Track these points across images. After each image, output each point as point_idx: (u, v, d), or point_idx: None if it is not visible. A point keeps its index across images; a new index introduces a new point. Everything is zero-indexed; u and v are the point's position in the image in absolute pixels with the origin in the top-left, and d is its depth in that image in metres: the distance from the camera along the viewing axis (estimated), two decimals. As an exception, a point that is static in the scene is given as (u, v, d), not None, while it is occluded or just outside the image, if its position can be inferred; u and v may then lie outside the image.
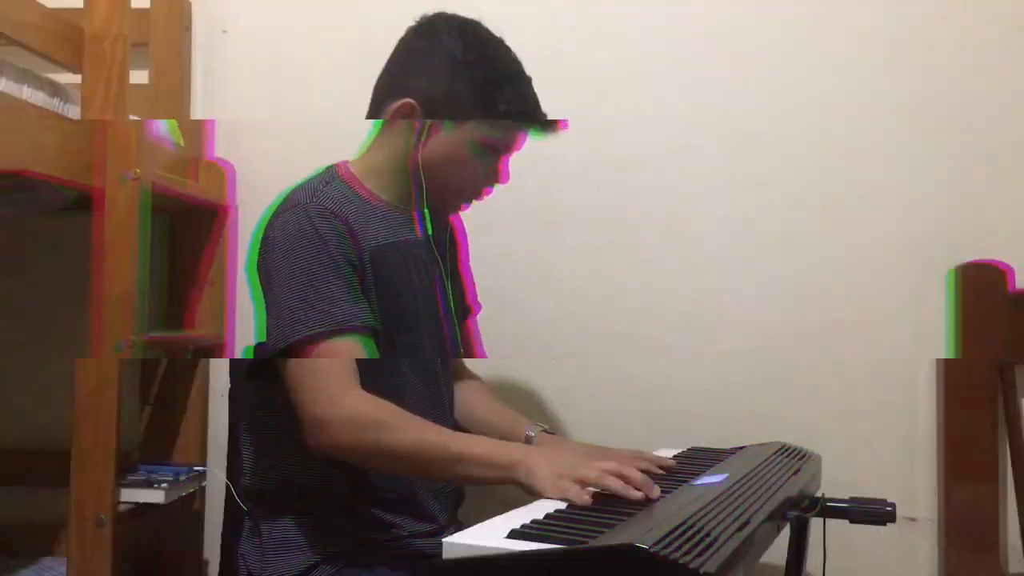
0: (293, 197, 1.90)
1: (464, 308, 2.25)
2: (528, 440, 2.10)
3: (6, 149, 1.85)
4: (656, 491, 1.62)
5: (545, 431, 2.15)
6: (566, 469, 1.66)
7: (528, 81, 1.99)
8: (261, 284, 1.89)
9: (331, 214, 1.85)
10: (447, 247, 2.18)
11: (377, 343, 1.86)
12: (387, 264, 1.93)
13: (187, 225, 2.68)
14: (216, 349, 2.66)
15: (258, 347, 1.99)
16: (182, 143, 2.59)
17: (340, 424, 1.75)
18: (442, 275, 2.10)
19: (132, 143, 2.13)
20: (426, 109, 1.94)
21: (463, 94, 1.93)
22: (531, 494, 1.65)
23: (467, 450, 1.75)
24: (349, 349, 1.80)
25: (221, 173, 2.68)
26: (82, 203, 2.15)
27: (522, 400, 2.51)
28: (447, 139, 1.95)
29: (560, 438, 2.25)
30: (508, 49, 1.99)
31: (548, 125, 2.01)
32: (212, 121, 2.73)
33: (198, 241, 2.67)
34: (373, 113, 2.02)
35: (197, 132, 2.69)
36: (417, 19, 2.01)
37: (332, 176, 1.98)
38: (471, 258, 2.30)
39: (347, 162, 2.04)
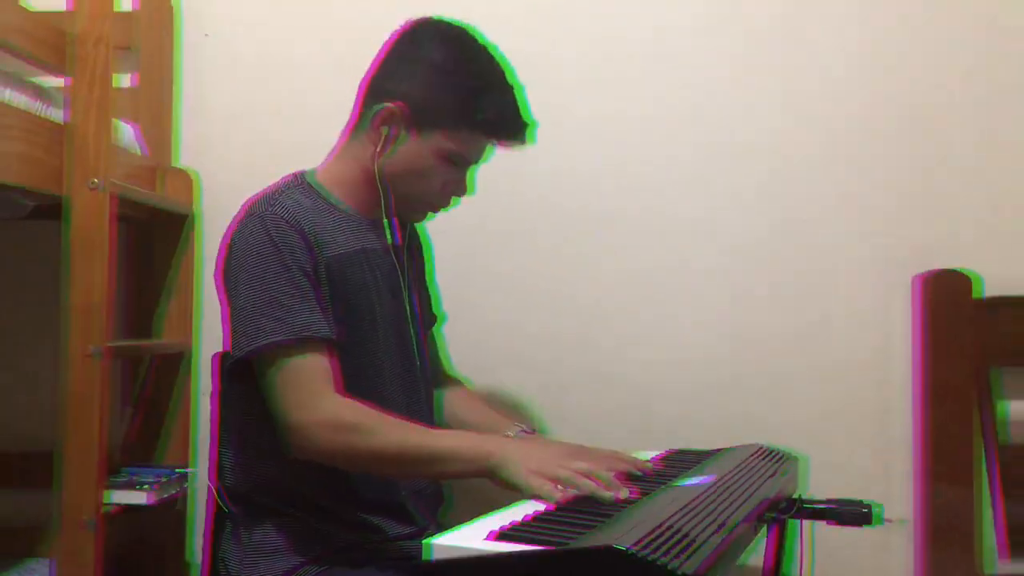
0: (252, 206, 1.91)
1: (429, 317, 2.26)
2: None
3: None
4: (624, 492, 1.63)
5: (525, 430, 2.15)
6: (540, 465, 1.68)
7: (510, 90, 1.99)
8: (223, 291, 1.91)
9: (286, 223, 1.86)
10: (412, 256, 2.19)
11: (335, 352, 1.86)
12: (347, 273, 1.93)
13: (153, 233, 2.68)
14: (182, 357, 2.66)
15: (224, 354, 2.01)
16: (145, 151, 2.59)
17: (319, 428, 1.77)
18: (406, 283, 2.09)
19: (96, 150, 2.13)
20: (408, 114, 1.94)
21: (444, 101, 1.94)
22: (506, 487, 1.68)
23: (443, 446, 1.78)
24: (309, 358, 1.81)
25: (187, 180, 2.68)
26: (50, 210, 2.15)
27: (502, 405, 2.52)
28: (412, 148, 1.96)
29: (539, 437, 2.26)
30: (493, 57, 1.99)
31: (514, 139, 2.00)
32: (178, 128, 2.73)
33: (164, 249, 2.67)
34: (358, 117, 2.03)
35: (162, 139, 2.69)
36: (405, 24, 2.02)
37: (293, 184, 1.99)
38: (443, 265, 2.32)
39: (313, 169, 2.05)
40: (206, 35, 2.74)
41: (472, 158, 2.01)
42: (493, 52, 2.00)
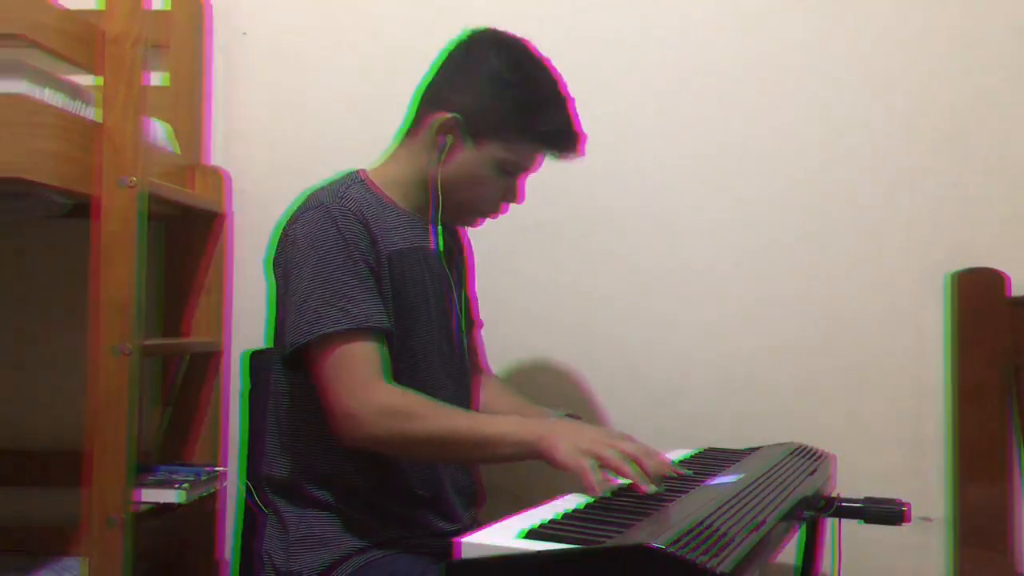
0: (316, 197, 1.93)
1: (470, 321, 2.28)
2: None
3: (3, 154, 1.86)
4: (662, 487, 1.64)
5: (569, 415, 2.17)
6: (587, 444, 1.69)
7: (566, 102, 2.00)
8: (278, 280, 1.93)
9: (352, 215, 1.88)
10: (457, 261, 2.21)
11: (391, 344, 1.88)
12: (404, 268, 1.96)
13: (184, 232, 2.68)
14: (213, 356, 2.67)
15: (261, 351, 2.01)
16: (179, 150, 2.60)
17: (371, 415, 1.78)
18: (451, 286, 2.12)
19: (129, 149, 2.13)
20: (468, 124, 1.96)
21: (502, 112, 1.96)
22: (554, 466, 1.68)
23: (494, 430, 1.78)
24: (365, 348, 1.82)
25: (218, 179, 2.69)
26: (81, 208, 2.15)
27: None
28: (469, 157, 1.98)
29: (583, 423, 2.26)
30: (549, 70, 2.01)
31: (570, 151, 2.03)
32: (209, 127, 2.74)
33: (195, 248, 2.68)
34: (413, 122, 2.05)
35: (194, 138, 2.70)
36: (464, 34, 2.04)
37: (354, 180, 2.00)
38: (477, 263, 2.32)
39: (367, 170, 2.06)
40: (244, 34, 2.74)
41: (528, 168, 2.04)
42: (549, 65, 2.02)
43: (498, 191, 2.03)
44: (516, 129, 1.96)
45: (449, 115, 1.96)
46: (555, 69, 2.02)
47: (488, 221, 2.12)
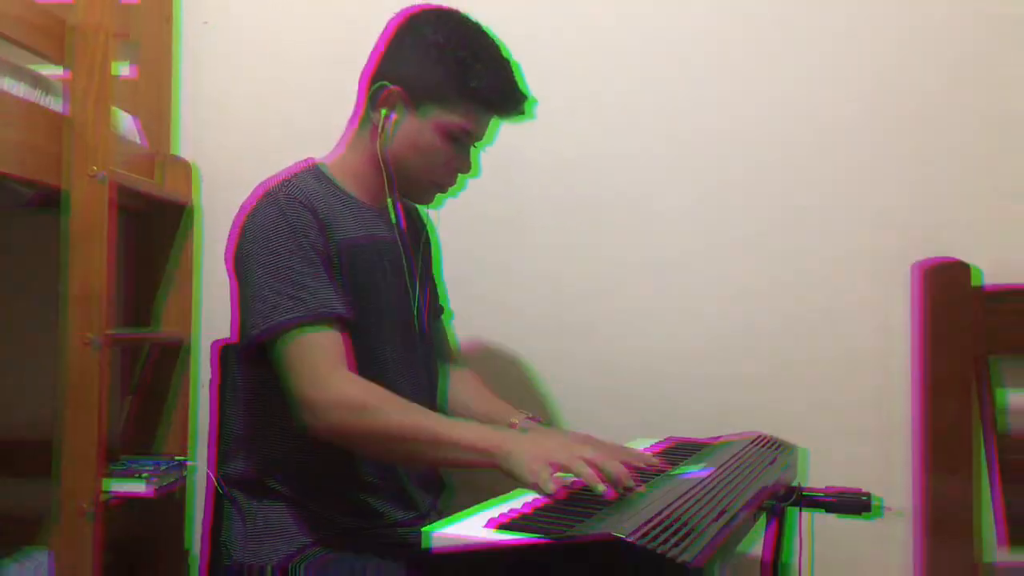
0: (265, 188, 1.93)
1: (436, 308, 2.28)
2: (513, 428, 2.12)
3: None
4: (630, 483, 1.62)
5: (533, 419, 2.18)
6: (543, 453, 1.68)
7: (504, 62, 2.01)
8: (235, 273, 1.92)
9: (300, 204, 1.88)
10: (421, 248, 2.21)
11: (347, 330, 1.87)
12: (358, 259, 1.95)
13: (151, 223, 2.68)
14: (180, 347, 2.67)
15: (226, 341, 2.01)
16: (146, 141, 2.59)
17: (330, 406, 1.78)
18: (413, 273, 2.11)
19: (96, 141, 2.13)
20: (404, 93, 1.97)
21: (437, 73, 1.96)
22: (510, 477, 1.67)
23: (452, 433, 1.77)
24: (323, 335, 1.82)
25: (185, 171, 2.69)
26: (49, 200, 2.14)
27: (503, 394, 2.51)
28: (413, 126, 1.99)
29: (547, 427, 2.26)
30: (485, 33, 2.02)
31: (511, 109, 2.03)
32: (177, 118, 2.73)
33: (162, 239, 2.68)
34: (358, 107, 2.05)
35: (162, 129, 2.69)
36: (399, 14, 2.04)
37: (307, 171, 2.00)
38: (445, 254, 2.32)
39: (319, 159, 2.06)
40: (205, 23, 2.73)
41: (473, 132, 2.03)
42: (486, 29, 2.03)
43: (446, 159, 2.02)
44: (453, 89, 1.96)
45: (384, 85, 1.97)
46: (492, 34, 2.03)
47: (453, 213, 2.12)
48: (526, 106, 2.04)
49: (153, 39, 2.67)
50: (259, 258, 1.84)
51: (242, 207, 1.93)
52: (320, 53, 2.70)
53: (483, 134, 2.06)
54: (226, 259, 1.95)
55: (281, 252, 1.84)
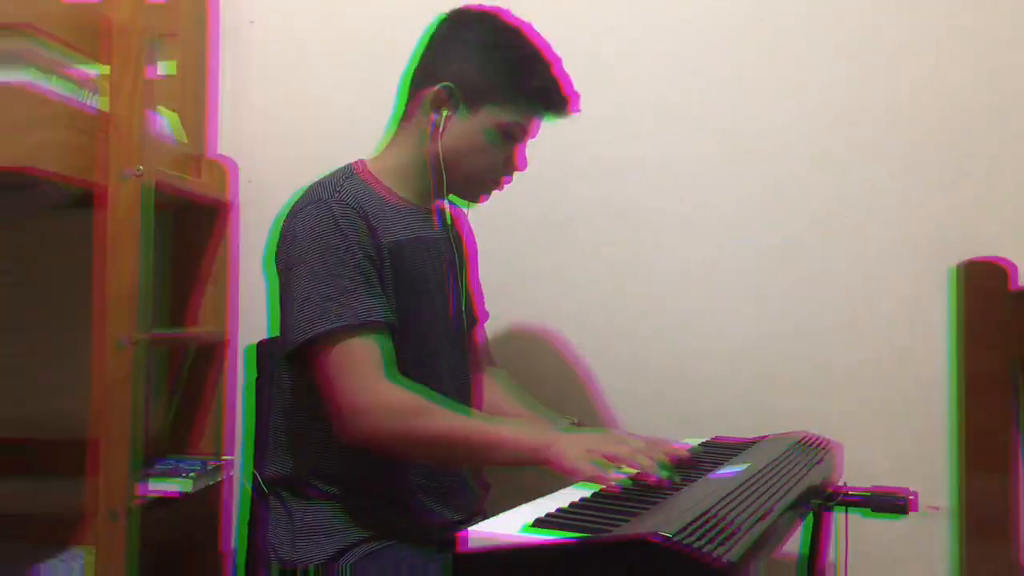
0: (314, 192, 1.93)
1: (472, 315, 2.28)
2: None
3: (7, 145, 1.86)
4: (676, 476, 1.64)
5: (575, 423, 2.19)
6: (596, 445, 1.69)
7: (552, 63, 2.02)
8: (280, 277, 1.93)
9: (351, 209, 1.88)
10: (459, 251, 2.21)
11: (394, 338, 1.88)
12: (405, 259, 1.96)
13: (189, 222, 2.70)
14: (218, 347, 2.68)
15: (269, 341, 2.02)
16: (185, 139, 2.60)
17: (376, 412, 1.79)
18: (458, 271, 2.13)
19: (134, 139, 2.14)
20: (461, 92, 1.98)
21: (493, 75, 1.98)
22: (563, 474, 1.68)
23: (500, 434, 1.78)
24: (368, 343, 1.82)
25: (223, 170, 2.70)
26: (86, 199, 2.15)
27: (542, 395, 2.51)
28: (466, 126, 2.00)
29: (588, 429, 2.26)
30: (532, 32, 2.03)
31: (563, 107, 2.04)
32: (215, 117, 2.74)
33: (200, 238, 2.70)
34: (405, 107, 2.06)
35: (199, 128, 2.70)
36: (441, 15, 2.06)
37: (351, 173, 2.00)
38: (486, 257, 2.32)
39: (364, 160, 2.06)
40: (252, 22, 2.75)
41: (526, 130, 2.05)
42: (530, 29, 2.04)
43: (499, 159, 2.04)
44: (509, 89, 1.98)
45: (441, 87, 1.98)
46: (536, 33, 2.04)
47: (497, 216, 2.12)
48: (577, 105, 2.05)
49: (193, 37, 2.68)
50: (308, 263, 1.84)
51: (292, 210, 1.93)
52: (360, 53, 2.71)
53: (533, 132, 2.08)
54: (276, 261, 1.95)
55: (330, 258, 1.83)
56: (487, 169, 2.05)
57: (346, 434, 1.81)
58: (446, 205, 2.15)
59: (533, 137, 2.09)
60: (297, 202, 1.94)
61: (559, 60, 2.04)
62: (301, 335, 1.82)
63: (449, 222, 2.19)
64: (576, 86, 2.07)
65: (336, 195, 1.89)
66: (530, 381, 2.41)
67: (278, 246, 1.95)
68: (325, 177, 1.98)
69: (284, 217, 1.95)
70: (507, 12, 2.05)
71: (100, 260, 2.10)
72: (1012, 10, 2.54)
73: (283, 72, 2.74)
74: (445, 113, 1.99)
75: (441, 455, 1.89)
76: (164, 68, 2.63)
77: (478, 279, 2.32)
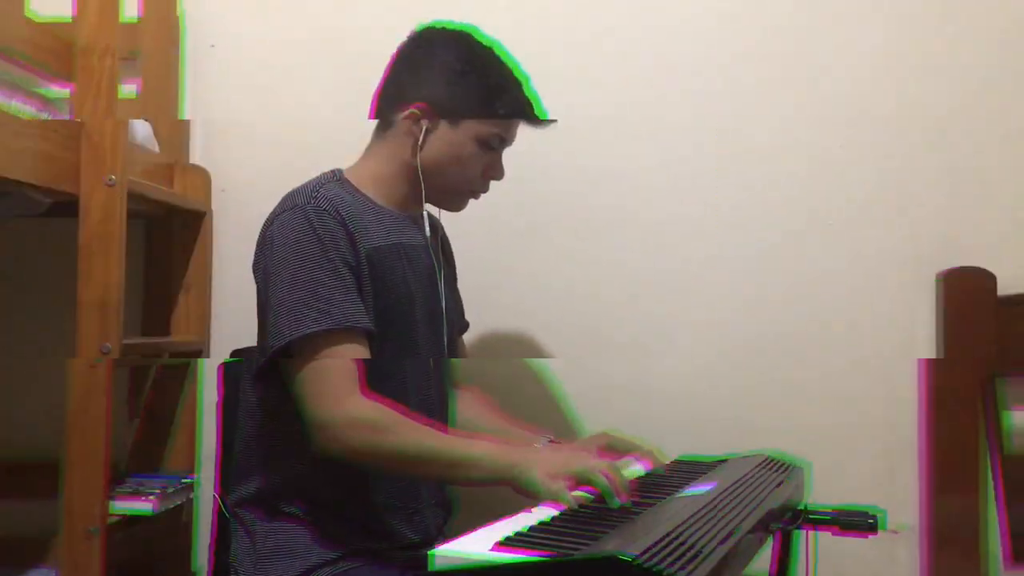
0: (291, 198, 1.93)
1: (462, 324, 2.30)
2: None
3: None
4: (617, 503, 1.64)
5: (552, 440, 2.20)
6: (557, 468, 1.69)
7: (522, 84, 2.04)
8: (258, 285, 1.93)
9: (328, 214, 1.88)
10: (446, 259, 2.22)
11: (372, 343, 1.88)
12: (384, 265, 1.95)
13: (166, 230, 2.69)
14: (196, 355, 2.67)
15: (245, 350, 2.01)
16: (159, 148, 2.59)
17: (343, 426, 1.78)
18: (440, 279, 2.12)
19: (110, 148, 2.13)
20: (440, 110, 1.99)
21: (464, 99, 1.99)
22: (527, 496, 1.68)
23: (467, 453, 1.78)
24: (346, 349, 1.82)
25: (200, 178, 2.69)
26: (64, 208, 2.15)
27: (506, 404, 2.52)
28: (449, 137, 2.01)
29: (564, 444, 2.25)
30: (500, 55, 2.04)
31: (538, 123, 2.06)
32: (189, 125, 2.74)
33: (177, 246, 2.68)
34: (381, 120, 2.07)
35: (175, 137, 2.69)
36: (412, 32, 2.07)
37: (330, 179, 2.01)
38: (460, 265, 2.32)
39: (343, 169, 2.07)
40: (212, 46, 2.74)
41: (507, 138, 2.06)
42: (497, 48, 2.05)
43: (478, 169, 2.05)
44: (483, 109, 2.00)
45: (419, 106, 1.99)
46: (506, 52, 2.05)
47: (471, 221, 2.14)
48: (547, 119, 2.07)
49: (158, 59, 2.66)
50: (285, 269, 1.84)
51: (269, 217, 1.94)
52: (323, 72, 2.72)
53: (512, 140, 2.09)
54: (255, 268, 1.95)
55: (308, 263, 1.84)
56: (469, 178, 2.05)
57: (316, 446, 1.81)
58: (427, 213, 2.14)
59: (509, 145, 2.10)
60: (276, 209, 1.94)
61: (528, 79, 2.05)
62: (279, 340, 1.82)
63: (438, 231, 2.20)
64: (558, 90, 2.09)
65: (313, 200, 1.89)
66: (502, 388, 2.41)
67: (257, 254, 1.95)
68: (305, 184, 1.98)
69: (264, 225, 1.95)
70: (471, 34, 2.05)
71: (79, 268, 2.10)
72: (1002, 22, 2.57)
73: (251, 87, 2.74)
74: (425, 127, 2.00)
75: (407, 471, 1.89)
76: (130, 87, 2.62)
77: (456, 285, 2.33)
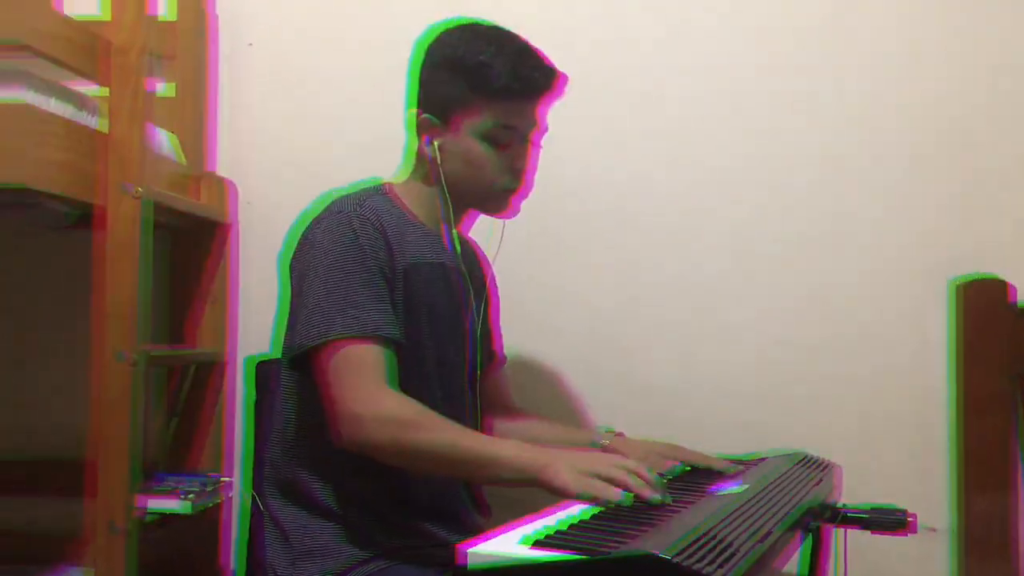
0: (338, 203, 1.94)
1: (489, 352, 2.27)
2: (600, 448, 2.16)
3: (7, 164, 1.86)
4: (668, 498, 1.64)
5: (619, 435, 2.23)
6: (587, 466, 1.69)
7: (521, 47, 2.01)
8: (293, 282, 1.94)
9: (371, 224, 1.90)
10: (482, 287, 2.22)
11: (399, 356, 1.88)
12: (419, 283, 1.96)
13: (189, 241, 2.69)
14: (218, 365, 2.68)
15: (269, 360, 2.02)
16: (184, 159, 2.60)
17: (374, 421, 1.78)
18: (468, 301, 2.12)
19: (134, 158, 2.14)
20: (436, 115, 2.00)
21: (456, 86, 1.98)
22: (557, 495, 1.67)
23: (496, 452, 1.78)
24: (373, 354, 1.82)
25: (223, 189, 2.70)
26: (86, 219, 2.15)
27: (539, 408, 2.52)
28: (455, 145, 2.01)
29: (637, 441, 2.25)
30: (496, 28, 2.03)
31: (542, 89, 2.02)
32: (214, 137, 2.75)
33: (199, 257, 2.69)
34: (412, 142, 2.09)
35: (200, 147, 2.70)
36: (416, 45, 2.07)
37: (376, 191, 2.02)
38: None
39: (389, 182, 2.08)
40: (250, 44, 2.75)
41: (515, 124, 2.02)
42: (491, 24, 2.04)
43: (500, 162, 2.02)
44: (471, 94, 1.98)
45: (418, 116, 2.01)
46: (501, 28, 2.03)
47: (484, 228, 2.14)
48: (552, 82, 2.03)
49: (193, 59, 2.68)
50: (323, 272, 1.85)
51: (313, 219, 1.95)
52: (358, 74, 2.72)
53: (528, 123, 2.05)
54: (291, 267, 1.96)
55: (346, 270, 1.85)
56: (491, 177, 2.02)
57: (344, 441, 1.81)
58: (457, 234, 2.14)
59: (542, 132, 2.08)
60: (321, 211, 1.95)
61: (527, 46, 2.01)
62: (308, 340, 1.83)
63: (467, 252, 2.20)
64: (570, 100, 2.08)
65: (358, 209, 1.91)
66: (517, 397, 2.41)
67: (294, 252, 1.96)
68: (351, 190, 2.00)
69: (303, 224, 1.96)
70: (460, 21, 2.05)
71: (99, 278, 2.10)
72: (1017, 24, 2.55)
73: (282, 93, 2.75)
74: (437, 143, 2.00)
75: (435, 469, 1.88)
76: (164, 89, 2.63)
77: (498, 319, 2.32)
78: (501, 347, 2.33)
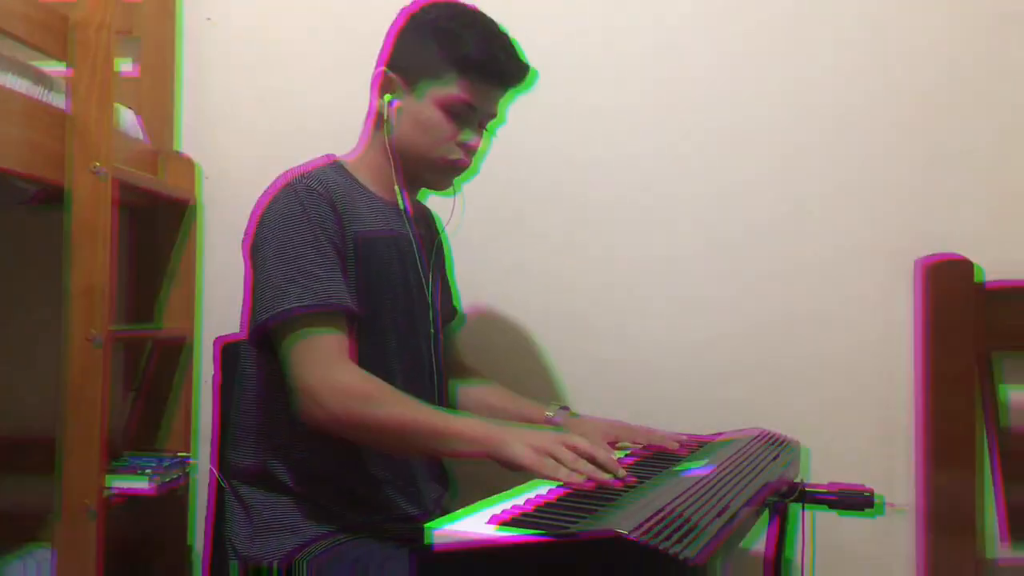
0: (285, 178, 1.94)
1: (449, 311, 2.29)
2: (548, 422, 2.18)
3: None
4: (622, 473, 1.66)
5: (564, 408, 2.24)
6: (541, 443, 1.70)
7: (497, 34, 2.03)
8: (249, 261, 1.93)
9: (319, 195, 1.89)
10: (435, 250, 2.21)
11: (355, 325, 1.88)
12: (372, 253, 1.96)
13: (153, 219, 2.68)
14: (183, 344, 2.67)
15: (230, 340, 2.02)
16: (147, 138, 2.59)
17: (330, 394, 1.79)
18: (425, 267, 2.12)
19: (98, 136, 2.13)
20: (400, 73, 2.01)
21: (431, 50, 1.99)
22: (511, 468, 1.69)
23: (450, 426, 1.79)
24: (328, 327, 1.83)
25: (188, 167, 2.69)
26: (50, 196, 2.14)
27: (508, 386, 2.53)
28: (411, 107, 2.01)
29: (585, 418, 2.26)
30: (480, 12, 2.04)
31: (505, 78, 2.04)
32: (179, 115, 2.73)
33: (165, 236, 2.68)
34: (369, 106, 2.08)
35: (164, 126, 2.69)
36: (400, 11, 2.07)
37: (329, 165, 2.01)
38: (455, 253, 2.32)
39: (340, 156, 2.07)
40: (208, 19, 2.73)
41: (474, 104, 2.02)
42: (471, 6, 2.05)
43: (450, 133, 2.02)
44: (444, 61, 1.98)
45: (386, 73, 2.01)
46: (477, 10, 2.05)
47: (468, 209, 2.13)
48: (523, 75, 2.05)
49: (155, 36, 2.67)
50: (274, 246, 1.85)
51: (262, 196, 1.94)
52: (322, 52, 2.71)
53: (488, 109, 2.07)
54: (244, 246, 1.95)
55: (296, 241, 1.85)
56: (438, 146, 2.02)
57: (302, 414, 1.81)
58: (408, 199, 2.13)
59: (488, 115, 2.08)
60: (269, 188, 1.95)
61: (503, 34, 2.03)
62: (262, 315, 1.83)
63: (420, 215, 2.21)
64: (543, 83, 2.08)
65: (304, 180, 1.91)
66: (489, 375, 2.41)
67: (249, 232, 1.95)
68: (301, 166, 1.99)
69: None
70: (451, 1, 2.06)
71: (66, 257, 2.09)
72: (980, 9, 2.56)
73: (246, 70, 2.73)
74: (388, 98, 2.01)
75: (392, 442, 1.88)
76: (127, 66, 2.62)
77: (454, 276, 2.34)
78: (458, 302, 2.36)
